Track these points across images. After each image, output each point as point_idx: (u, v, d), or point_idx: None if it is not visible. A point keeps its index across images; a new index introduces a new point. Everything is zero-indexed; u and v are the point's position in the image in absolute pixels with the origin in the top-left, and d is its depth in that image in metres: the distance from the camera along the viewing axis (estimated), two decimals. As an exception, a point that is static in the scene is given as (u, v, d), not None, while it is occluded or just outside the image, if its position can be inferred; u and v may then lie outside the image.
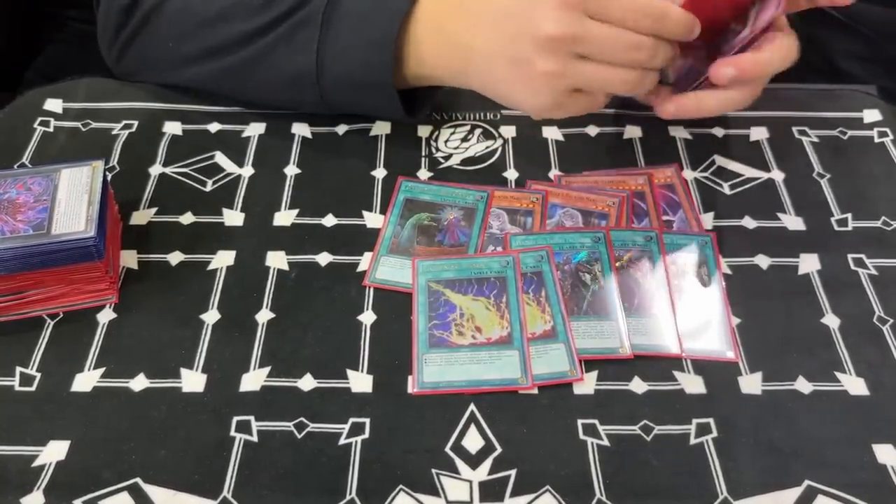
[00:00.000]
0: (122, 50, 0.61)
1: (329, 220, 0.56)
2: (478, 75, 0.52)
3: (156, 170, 0.59)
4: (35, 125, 0.61)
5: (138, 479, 0.43)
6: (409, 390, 0.46)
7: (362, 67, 0.53)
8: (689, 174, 0.59)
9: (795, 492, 0.43)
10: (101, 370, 0.47)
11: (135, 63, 0.62)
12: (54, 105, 0.63)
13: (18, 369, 0.47)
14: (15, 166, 0.58)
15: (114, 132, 0.61)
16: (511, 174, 0.59)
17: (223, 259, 0.53)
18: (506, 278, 0.50)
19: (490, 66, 0.51)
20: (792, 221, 0.56)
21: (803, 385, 0.47)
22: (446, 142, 0.61)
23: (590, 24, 0.47)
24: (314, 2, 0.54)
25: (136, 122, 0.62)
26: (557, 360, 0.47)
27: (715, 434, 0.45)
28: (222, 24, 0.56)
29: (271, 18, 0.55)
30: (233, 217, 0.56)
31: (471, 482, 0.43)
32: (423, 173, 0.59)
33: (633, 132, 0.62)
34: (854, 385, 0.47)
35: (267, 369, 0.47)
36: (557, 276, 0.50)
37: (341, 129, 0.62)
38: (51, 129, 0.61)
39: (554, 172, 0.59)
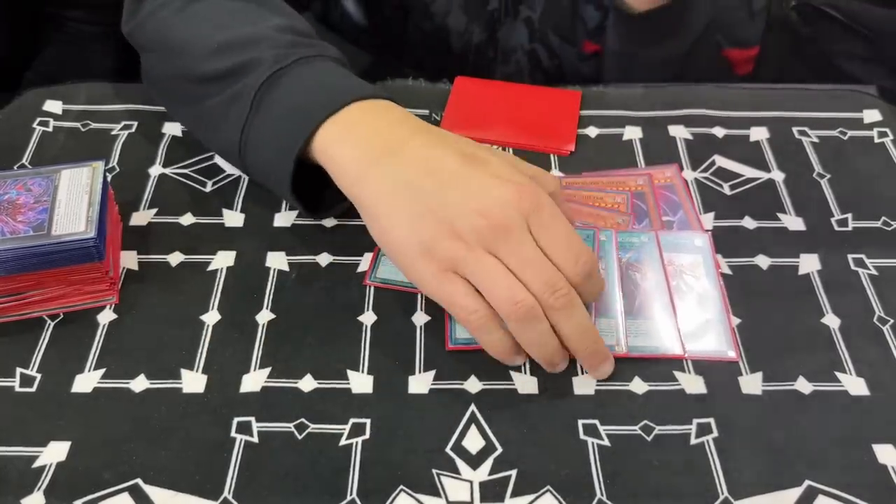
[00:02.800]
0: (131, 35, 0.60)
1: (329, 221, 0.56)
2: (371, 223, 0.47)
3: (156, 170, 0.59)
4: (34, 125, 0.61)
5: (139, 480, 0.43)
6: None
7: (272, 165, 0.51)
8: (689, 174, 0.59)
9: (796, 492, 0.43)
10: (102, 371, 0.47)
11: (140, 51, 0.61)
12: (54, 106, 0.63)
13: (18, 370, 0.47)
14: (15, 167, 0.58)
15: (113, 132, 0.61)
16: (511, 174, 0.59)
17: (223, 260, 0.53)
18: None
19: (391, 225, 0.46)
20: (792, 221, 0.56)
21: (803, 385, 0.47)
22: (446, 142, 0.61)
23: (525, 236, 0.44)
24: (255, 73, 0.51)
25: (135, 123, 0.62)
26: None
27: (715, 434, 0.45)
28: (180, 56, 0.55)
29: (217, 72, 0.52)
30: (233, 218, 0.56)
31: (471, 482, 0.43)
32: (424, 174, 0.59)
33: (632, 133, 0.62)
34: (854, 385, 0.47)
35: (267, 370, 0.47)
36: None
37: (341, 129, 0.62)
38: (50, 130, 0.61)
39: (554, 174, 0.59)
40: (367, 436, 0.45)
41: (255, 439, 0.45)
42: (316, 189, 0.53)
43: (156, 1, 0.58)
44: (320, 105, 0.49)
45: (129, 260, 0.53)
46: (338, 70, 0.53)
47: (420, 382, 0.47)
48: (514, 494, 0.42)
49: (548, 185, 0.48)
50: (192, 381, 0.47)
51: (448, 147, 0.47)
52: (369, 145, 0.48)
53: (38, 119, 0.61)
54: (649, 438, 0.45)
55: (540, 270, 0.44)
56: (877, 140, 0.62)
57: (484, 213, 0.44)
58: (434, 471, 0.43)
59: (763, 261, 0.54)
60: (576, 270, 0.44)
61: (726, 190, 0.58)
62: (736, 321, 0.50)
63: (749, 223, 0.56)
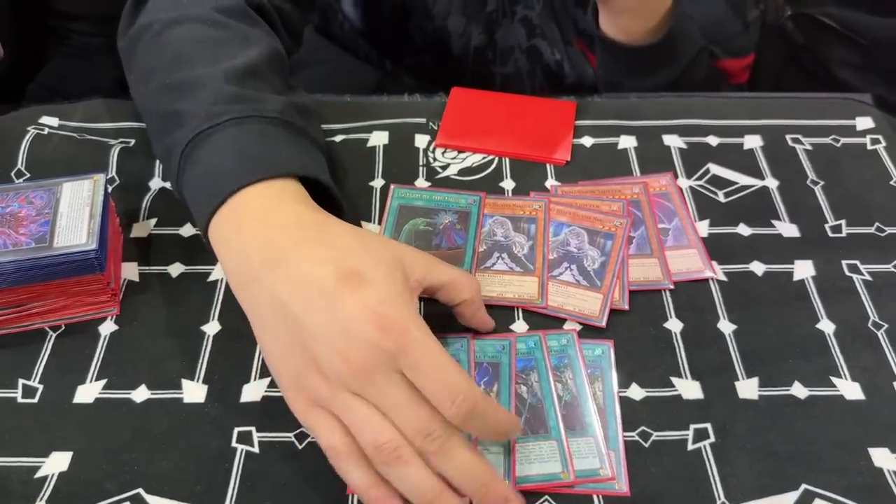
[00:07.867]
0: (121, 51, 0.60)
1: (328, 231, 0.56)
2: (256, 336, 0.45)
3: (156, 182, 0.59)
4: (29, 128, 0.61)
5: (140, 490, 0.43)
6: None
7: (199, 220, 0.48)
8: (683, 182, 0.60)
9: (793, 496, 0.43)
10: (103, 382, 0.48)
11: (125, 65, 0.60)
12: (50, 122, 0.62)
13: (21, 381, 0.48)
14: (12, 174, 0.58)
15: (111, 144, 0.61)
16: (508, 184, 0.59)
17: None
18: (499, 364, 0.48)
19: (263, 329, 0.44)
20: (786, 228, 0.57)
21: (799, 390, 0.48)
22: (444, 152, 0.62)
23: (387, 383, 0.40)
24: (187, 127, 0.49)
25: (135, 136, 0.62)
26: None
27: (712, 439, 0.45)
28: (140, 86, 0.55)
29: (160, 112, 0.52)
30: (233, 229, 0.56)
31: (470, 490, 0.43)
32: (421, 183, 0.59)
33: (627, 142, 0.63)
34: (850, 390, 0.48)
35: (268, 380, 0.48)
36: (515, 369, 0.47)
37: (338, 137, 0.62)
38: (44, 133, 0.61)
39: (550, 183, 0.60)
40: (366, 444, 0.45)
41: (256, 449, 0.45)
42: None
43: (147, 18, 0.57)
44: (227, 182, 0.46)
45: (130, 271, 0.53)
46: (265, 135, 0.49)
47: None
48: (513, 501, 0.43)
49: (462, 292, 0.46)
50: (193, 391, 0.47)
51: (327, 263, 0.42)
52: (248, 257, 0.44)
53: (35, 132, 0.62)
54: (647, 444, 0.45)
55: (409, 415, 0.40)
56: (869, 147, 0.63)
57: (346, 357, 0.40)
58: (433, 478, 0.44)
59: (758, 267, 0.54)
60: (452, 412, 0.39)
61: (721, 197, 0.59)
62: (732, 327, 0.51)
63: (744, 230, 0.57)
